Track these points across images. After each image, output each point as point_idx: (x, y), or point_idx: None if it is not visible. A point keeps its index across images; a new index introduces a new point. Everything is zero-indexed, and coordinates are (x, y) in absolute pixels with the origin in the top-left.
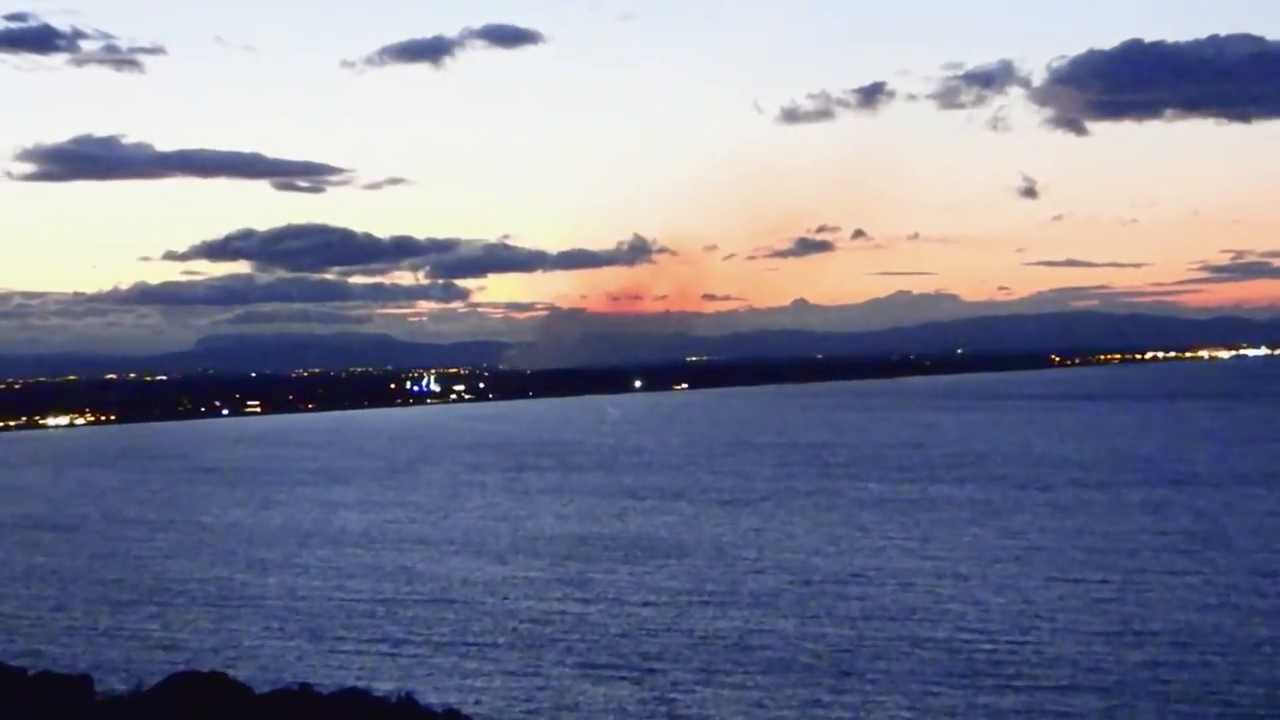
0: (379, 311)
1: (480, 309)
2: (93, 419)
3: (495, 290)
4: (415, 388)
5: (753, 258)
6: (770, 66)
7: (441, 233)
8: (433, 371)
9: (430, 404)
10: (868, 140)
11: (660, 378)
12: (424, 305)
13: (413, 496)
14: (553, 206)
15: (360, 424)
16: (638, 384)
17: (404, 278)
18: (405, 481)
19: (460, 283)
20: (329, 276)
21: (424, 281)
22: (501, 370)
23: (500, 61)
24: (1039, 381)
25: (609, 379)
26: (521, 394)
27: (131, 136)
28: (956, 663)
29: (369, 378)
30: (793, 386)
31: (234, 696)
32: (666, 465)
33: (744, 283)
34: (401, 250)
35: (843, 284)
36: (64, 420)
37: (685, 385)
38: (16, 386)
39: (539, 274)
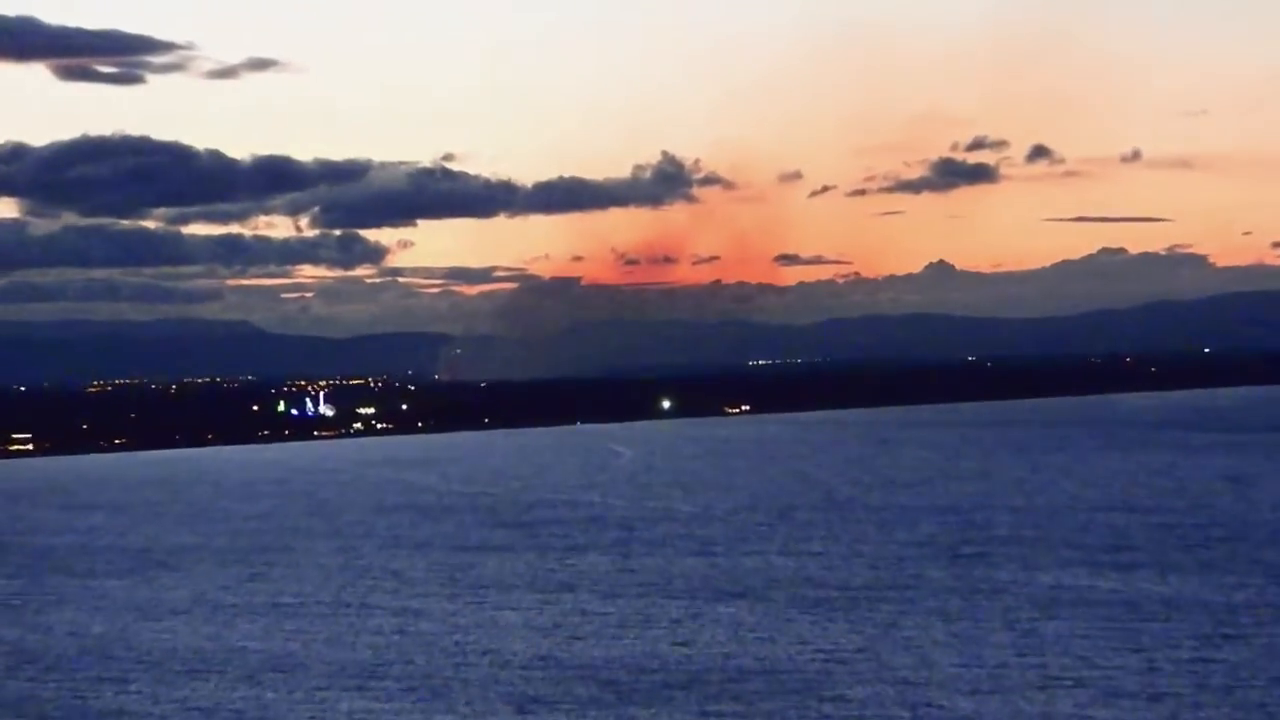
0: (234, 283)
1: (404, 279)
2: None
3: (429, 248)
4: (295, 411)
5: (860, 193)
6: None
7: (339, 151)
8: (324, 384)
9: (321, 438)
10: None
11: (704, 395)
12: (309, 273)
13: (284, 597)
14: (527, 107)
15: (203, 471)
16: (666, 405)
17: (277, 227)
18: (273, 572)
19: (371, 236)
20: (150, 225)
21: (309, 233)
22: (439, 383)
23: None
24: None
25: (618, 397)
26: (471, 421)
27: None
28: None
29: (218, 394)
30: (929, 409)
31: None
32: (711, 546)
33: (845, 235)
34: (272, 180)
35: (1012, 237)
36: None
37: (745, 408)
38: None
39: (502, 221)
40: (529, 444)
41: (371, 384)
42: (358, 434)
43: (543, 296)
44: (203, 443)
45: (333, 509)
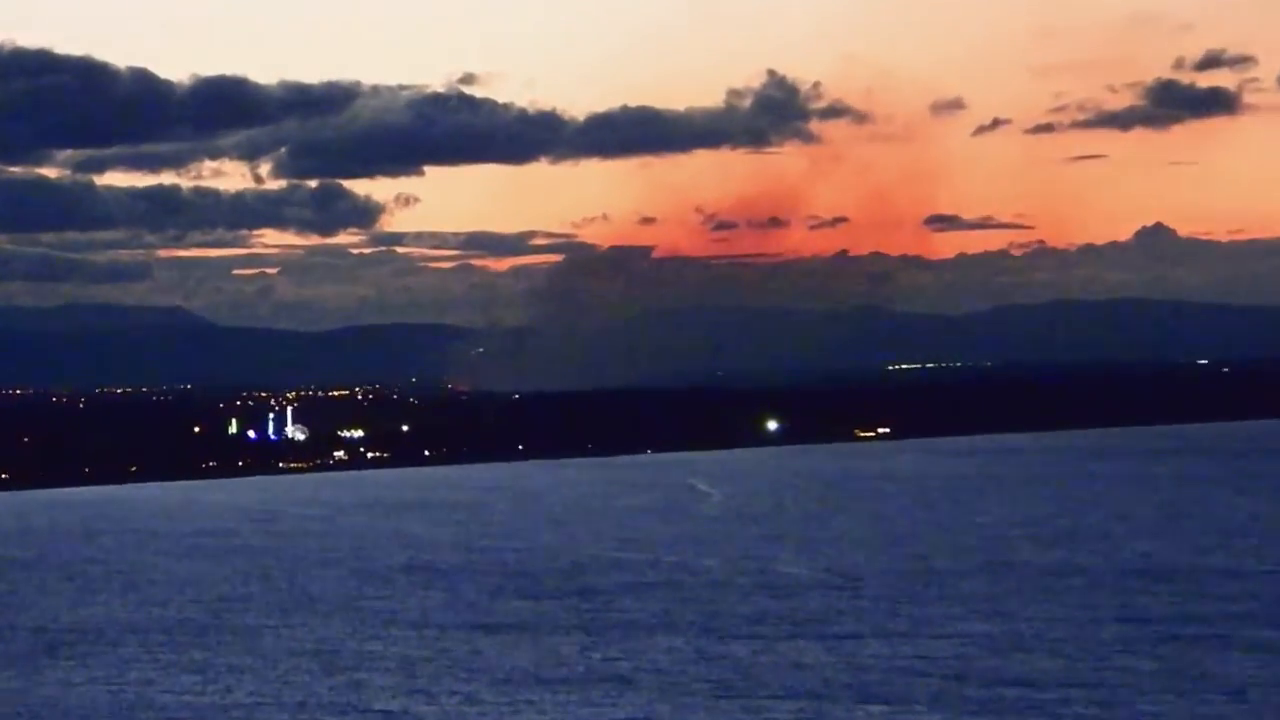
0: (167, 254)
1: (405, 250)
2: None
3: (441, 206)
4: (253, 434)
5: (1045, 130)
6: None
7: (314, 70)
8: (293, 396)
9: (288, 471)
10: None
11: (825, 412)
12: (272, 240)
13: (233, 696)
14: (577, 10)
15: (122, 517)
16: (772, 427)
17: (227, 176)
18: (215, 661)
19: (359, 189)
20: (50, 173)
21: (272, 184)
22: (453, 396)
23: None
24: None
25: (705, 415)
26: (498, 449)
27: None
28: None
29: (145, 410)
30: (1140, 432)
31: None
32: (832, 626)
33: (1023, 189)
34: (221, 111)
35: (1257, 193)
36: None
37: (883, 430)
38: None
39: (542, 169)
40: (578, 480)
41: (360, 396)
42: (340, 466)
43: (599, 274)
44: (123, 478)
45: (301, 573)
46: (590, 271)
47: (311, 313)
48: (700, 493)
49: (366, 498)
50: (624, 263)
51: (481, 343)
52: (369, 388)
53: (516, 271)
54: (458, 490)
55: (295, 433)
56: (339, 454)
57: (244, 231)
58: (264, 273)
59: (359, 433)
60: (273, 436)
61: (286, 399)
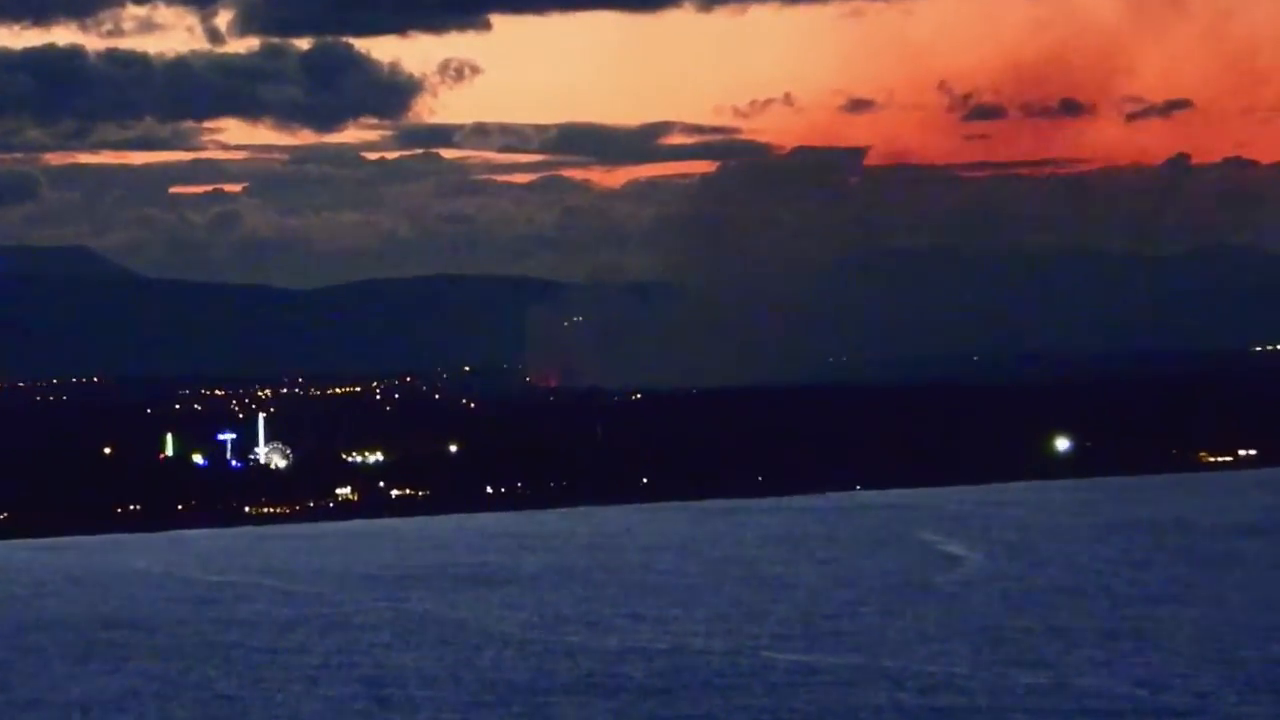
0: (62, 160)
1: (453, 153)
2: None
3: (513, 83)
4: (202, 460)
5: None
6: None
7: None
8: (268, 396)
9: (261, 515)
10: None
11: (1146, 421)
12: (235, 138)
13: None
14: None
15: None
16: (1062, 447)
17: (161, 32)
18: None
19: (378, 51)
20: None
21: (236, 46)
22: (536, 392)
23: None
24: None
25: (941, 426)
26: (611, 484)
27: None
28: None
29: (23, 416)
30: None
31: None
32: None
33: None
34: None
35: None
36: None
37: (1248, 452)
38: None
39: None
40: (745, 534)
41: (378, 395)
42: (345, 511)
43: (776, 194)
44: None
45: (278, 688)
46: (762, 189)
47: (299, 258)
48: (946, 555)
49: (387, 565)
50: (820, 174)
51: (581, 307)
52: (393, 381)
53: (639, 190)
54: (543, 555)
55: (272, 456)
56: (344, 491)
57: (189, 124)
58: (220, 191)
59: (377, 456)
60: (235, 463)
61: (257, 399)
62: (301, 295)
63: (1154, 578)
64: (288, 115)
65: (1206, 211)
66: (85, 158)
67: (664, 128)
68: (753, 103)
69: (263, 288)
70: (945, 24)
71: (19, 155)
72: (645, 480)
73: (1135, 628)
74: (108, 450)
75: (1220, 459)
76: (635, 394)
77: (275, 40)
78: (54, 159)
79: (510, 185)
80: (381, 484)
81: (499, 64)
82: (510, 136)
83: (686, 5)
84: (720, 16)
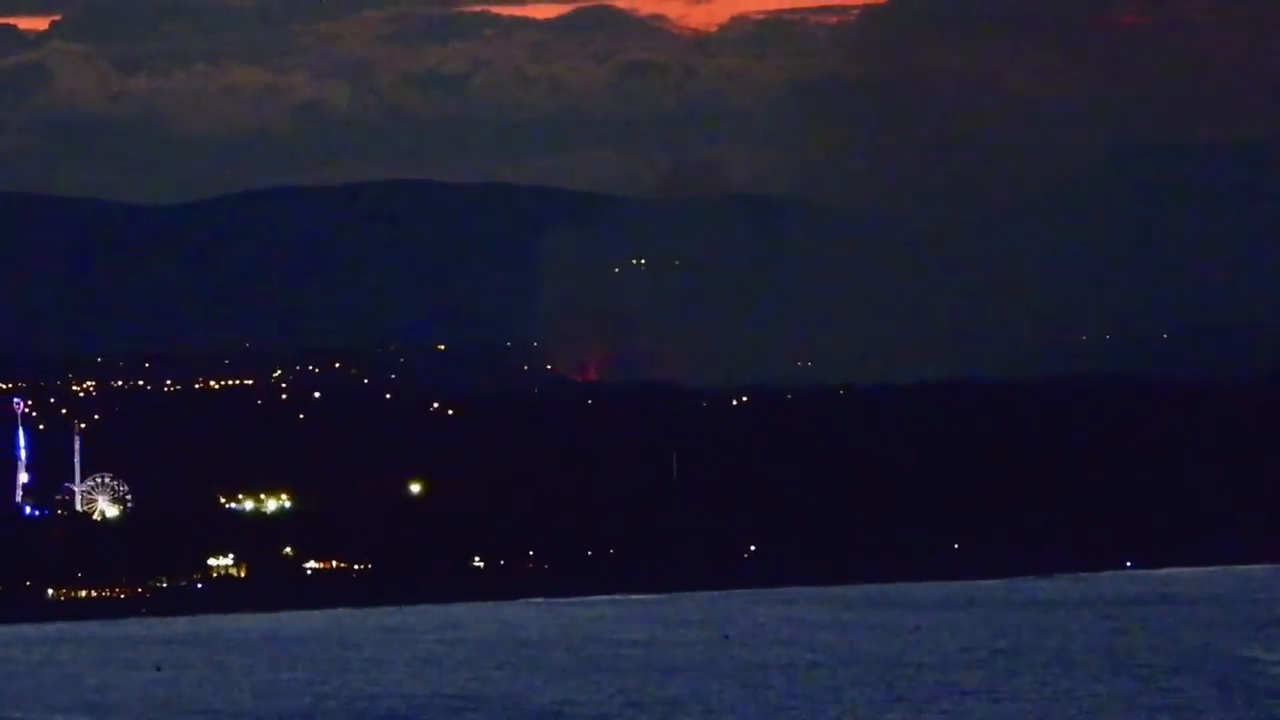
0: None
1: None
2: None
3: None
4: (34, 511)
5: None
6: None
7: None
8: (84, 392)
9: (76, 603)
10: None
11: None
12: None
13: None
14: None
15: None
16: None
17: None
18: None
19: None
20: None
21: None
22: (573, 388)
23: None
24: None
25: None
26: (692, 560)
27: None
28: None
29: None
30: None
31: None
32: None
33: None
34: None
35: None
36: None
37: None
38: None
39: None
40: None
41: (282, 389)
42: (225, 599)
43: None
44: None
45: None
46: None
47: (172, 145)
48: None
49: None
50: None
51: (643, 239)
52: (309, 367)
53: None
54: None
55: (96, 498)
56: (222, 561)
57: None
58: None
59: (280, 500)
60: (29, 509)
61: (69, 392)
62: (162, 212)
63: None
64: None
65: None
66: None
67: None
68: None
69: (102, 203)
70: None
71: None
72: (752, 547)
73: None
74: None
75: None
76: (740, 396)
77: None
78: None
79: (524, 21)
80: (287, 550)
81: None
82: None
83: None
84: None
